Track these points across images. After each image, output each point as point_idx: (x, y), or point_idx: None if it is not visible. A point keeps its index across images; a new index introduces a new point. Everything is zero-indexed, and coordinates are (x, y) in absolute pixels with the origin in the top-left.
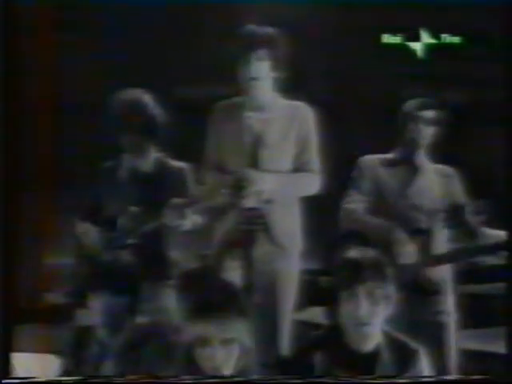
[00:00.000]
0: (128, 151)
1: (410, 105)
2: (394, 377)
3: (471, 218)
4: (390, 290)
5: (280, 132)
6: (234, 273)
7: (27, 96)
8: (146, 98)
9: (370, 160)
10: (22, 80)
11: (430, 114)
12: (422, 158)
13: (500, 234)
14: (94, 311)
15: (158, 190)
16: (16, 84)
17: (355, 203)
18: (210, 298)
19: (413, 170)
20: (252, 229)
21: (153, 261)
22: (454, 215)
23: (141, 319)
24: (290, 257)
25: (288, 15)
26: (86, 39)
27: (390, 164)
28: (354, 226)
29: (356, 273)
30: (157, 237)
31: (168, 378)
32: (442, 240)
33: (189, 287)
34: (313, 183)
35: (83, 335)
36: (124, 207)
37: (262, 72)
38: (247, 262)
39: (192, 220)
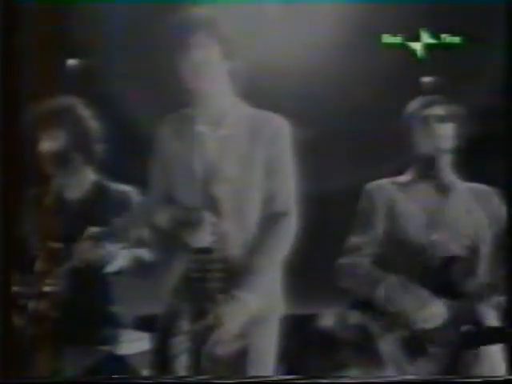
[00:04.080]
0: (57, 173)
1: (413, 105)
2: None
3: None
4: None
5: (240, 155)
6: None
7: None
8: (80, 107)
9: (382, 186)
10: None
11: (441, 110)
12: (449, 174)
13: None
14: None
15: (93, 221)
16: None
17: (360, 252)
18: None
19: (439, 190)
20: (204, 277)
21: (78, 316)
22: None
23: None
24: (265, 322)
25: None
26: None
27: (407, 188)
28: (356, 287)
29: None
30: (82, 282)
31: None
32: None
33: None
34: (286, 232)
35: None
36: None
37: (209, 55)
38: (196, 328)
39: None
